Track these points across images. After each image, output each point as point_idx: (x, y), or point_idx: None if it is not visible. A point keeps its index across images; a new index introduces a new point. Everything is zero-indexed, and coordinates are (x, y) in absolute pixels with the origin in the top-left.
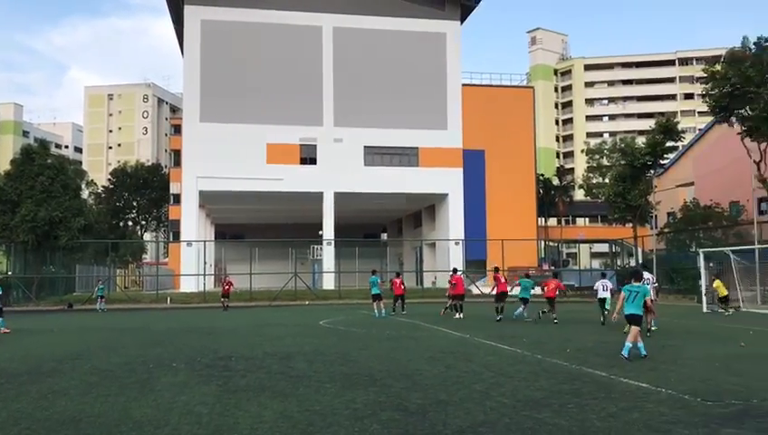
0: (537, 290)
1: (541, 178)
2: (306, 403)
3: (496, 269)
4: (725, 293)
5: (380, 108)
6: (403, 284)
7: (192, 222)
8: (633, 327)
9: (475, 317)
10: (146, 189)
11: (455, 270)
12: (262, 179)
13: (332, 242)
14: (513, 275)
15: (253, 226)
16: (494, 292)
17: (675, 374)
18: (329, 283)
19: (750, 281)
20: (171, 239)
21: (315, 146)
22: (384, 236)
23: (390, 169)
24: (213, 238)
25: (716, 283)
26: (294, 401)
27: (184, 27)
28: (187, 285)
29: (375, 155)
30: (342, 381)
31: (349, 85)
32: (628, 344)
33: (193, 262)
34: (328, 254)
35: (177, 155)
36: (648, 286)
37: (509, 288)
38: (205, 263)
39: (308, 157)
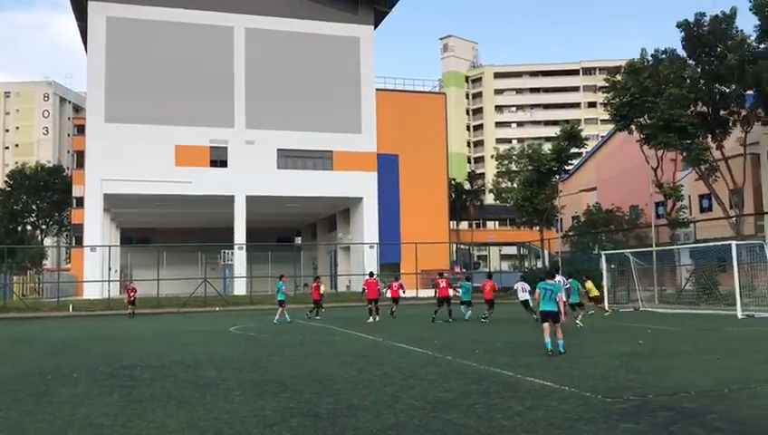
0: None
1: (453, 182)
2: (214, 412)
3: (440, 274)
4: (597, 293)
5: (294, 111)
6: (320, 288)
7: (96, 226)
8: (556, 324)
9: (389, 320)
10: (46, 192)
11: (371, 274)
12: (170, 182)
13: (244, 246)
14: (426, 278)
15: (161, 230)
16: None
17: (577, 372)
18: (240, 288)
19: (648, 281)
20: (74, 244)
21: (226, 148)
22: (298, 240)
23: (304, 172)
24: (118, 243)
25: (588, 283)
26: (201, 410)
27: (88, 24)
28: (91, 292)
29: (288, 158)
30: (252, 388)
31: (261, 87)
32: (560, 341)
33: (97, 268)
34: (239, 258)
35: (80, 156)
36: (525, 292)
37: (450, 292)
38: (109, 269)
39: (218, 159)
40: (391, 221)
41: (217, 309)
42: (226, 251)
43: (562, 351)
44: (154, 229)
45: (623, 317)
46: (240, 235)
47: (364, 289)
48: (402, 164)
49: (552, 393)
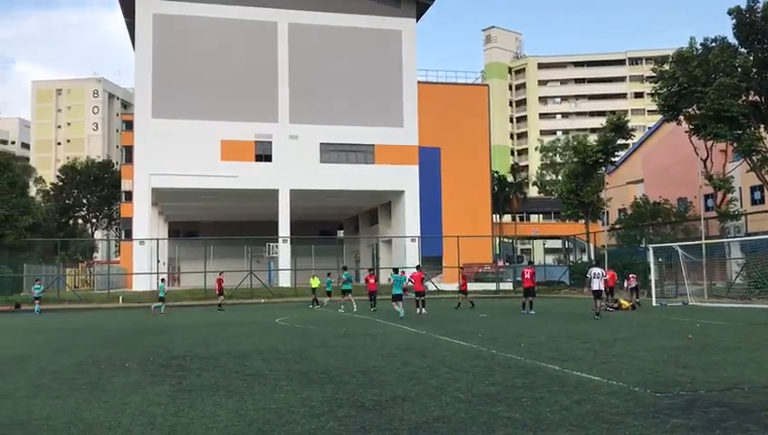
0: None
1: (495, 175)
2: (262, 402)
3: (369, 270)
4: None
5: (336, 105)
6: (376, 280)
7: (144, 220)
8: (400, 301)
9: (431, 313)
10: (96, 186)
11: (417, 267)
12: (216, 176)
13: (288, 239)
14: (468, 271)
15: (207, 223)
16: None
17: (625, 367)
18: (285, 280)
19: (697, 275)
20: (123, 237)
21: (270, 143)
22: (340, 234)
23: (346, 166)
24: (166, 236)
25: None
26: (250, 400)
27: (135, 21)
28: (140, 284)
29: (331, 152)
30: (299, 378)
31: (304, 81)
32: (398, 309)
33: (145, 260)
34: (284, 251)
35: (128, 151)
36: (599, 279)
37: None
38: (158, 261)
39: (263, 154)
40: (433, 214)
41: (263, 301)
42: (271, 244)
43: (402, 315)
44: (201, 223)
45: (671, 312)
46: (284, 228)
47: (411, 281)
48: (444, 157)
49: (599, 388)
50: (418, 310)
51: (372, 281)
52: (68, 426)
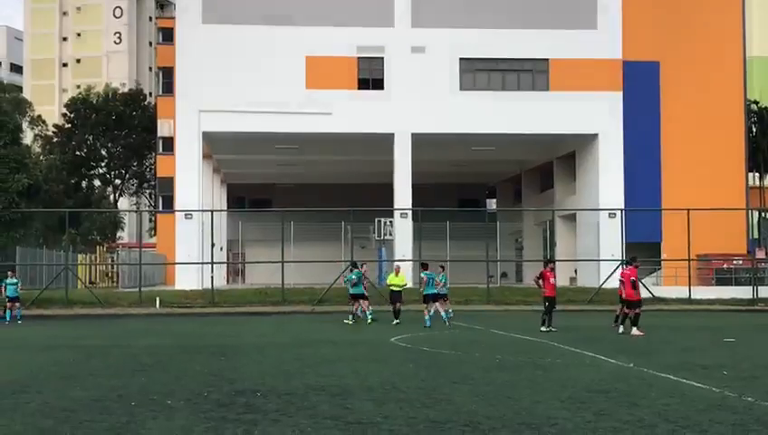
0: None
1: (755, 107)
2: None
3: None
4: None
5: None
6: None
7: (192, 181)
8: (434, 303)
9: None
10: (121, 130)
11: (633, 259)
12: (298, 114)
13: (409, 213)
14: (704, 269)
15: (285, 187)
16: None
17: None
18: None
19: None
20: (161, 208)
21: (382, 59)
22: (492, 205)
23: (501, 94)
24: (225, 207)
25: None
26: None
27: None
28: (186, 280)
29: (477, 72)
30: (429, 431)
31: None
32: (444, 314)
33: (194, 243)
34: (402, 231)
35: (167, 75)
36: None
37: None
38: (212, 245)
39: (370, 77)
40: (647, 174)
41: (370, 309)
42: (383, 220)
43: (447, 318)
44: (276, 186)
45: None
46: (403, 195)
47: (622, 282)
48: (666, 78)
49: None
50: (622, 328)
51: (552, 281)
52: None
